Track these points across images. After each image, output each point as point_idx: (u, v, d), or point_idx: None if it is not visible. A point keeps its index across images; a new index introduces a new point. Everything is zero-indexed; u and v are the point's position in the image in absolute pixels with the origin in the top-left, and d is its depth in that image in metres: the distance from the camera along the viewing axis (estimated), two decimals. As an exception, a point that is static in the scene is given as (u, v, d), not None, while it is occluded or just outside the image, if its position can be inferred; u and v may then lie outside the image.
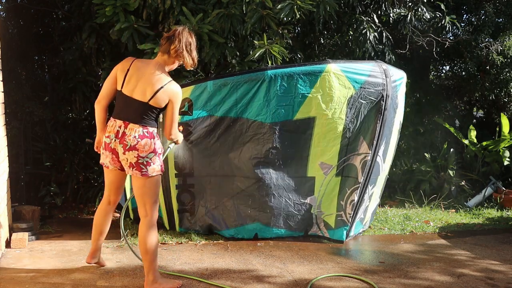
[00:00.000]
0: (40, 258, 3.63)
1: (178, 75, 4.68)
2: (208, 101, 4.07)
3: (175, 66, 3.14)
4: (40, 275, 3.27)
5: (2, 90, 3.95)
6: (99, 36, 4.89)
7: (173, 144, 3.39)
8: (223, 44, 4.56)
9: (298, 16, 4.36)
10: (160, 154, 3.05)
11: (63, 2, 5.61)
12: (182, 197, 4.31)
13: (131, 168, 2.99)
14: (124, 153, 2.97)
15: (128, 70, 3.03)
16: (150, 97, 2.96)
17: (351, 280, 3.35)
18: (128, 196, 4.59)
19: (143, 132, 2.96)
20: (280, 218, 4.23)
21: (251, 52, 4.58)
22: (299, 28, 6.10)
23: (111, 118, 3.08)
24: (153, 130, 3.02)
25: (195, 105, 4.08)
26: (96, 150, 3.31)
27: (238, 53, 4.82)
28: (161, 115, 3.19)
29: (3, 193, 3.77)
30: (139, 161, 2.95)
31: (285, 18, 4.38)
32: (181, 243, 4.13)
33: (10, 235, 3.89)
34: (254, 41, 4.61)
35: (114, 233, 4.36)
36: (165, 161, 4.20)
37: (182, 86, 4.16)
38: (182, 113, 4.13)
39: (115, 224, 4.82)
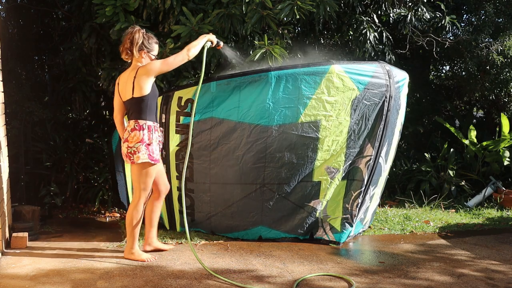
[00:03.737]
0: (40, 258, 3.63)
1: (178, 76, 4.68)
2: (210, 102, 4.03)
3: (145, 59, 3.54)
4: (40, 275, 3.26)
5: (2, 90, 3.95)
6: (99, 36, 4.89)
7: (209, 43, 3.77)
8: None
9: (298, 16, 4.35)
10: (148, 144, 3.46)
11: (63, 2, 5.61)
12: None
13: (126, 158, 3.51)
14: (122, 146, 3.54)
15: (118, 84, 3.59)
16: (132, 90, 3.45)
17: (350, 280, 3.35)
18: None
19: (134, 125, 3.47)
20: (284, 222, 4.18)
21: (251, 52, 4.58)
22: (299, 28, 6.10)
23: None
24: (143, 123, 3.47)
25: (197, 106, 4.02)
26: None
27: (238, 54, 4.81)
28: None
29: (3, 193, 3.77)
30: (128, 150, 3.47)
31: (285, 19, 4.37)
32: (181, 243, 4.12)
33: (10, 235, 3.89)
34: (255, 41, 4.61)
35: (114, 234, 4.38)
36: (167, 162, 4.20)
37: (186, 87, 4.15)
38: (184, 114, 4.10)
39: (115, 225, 4.84)
